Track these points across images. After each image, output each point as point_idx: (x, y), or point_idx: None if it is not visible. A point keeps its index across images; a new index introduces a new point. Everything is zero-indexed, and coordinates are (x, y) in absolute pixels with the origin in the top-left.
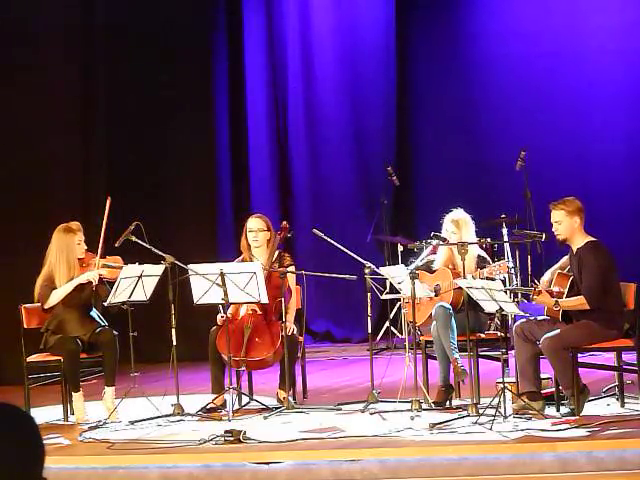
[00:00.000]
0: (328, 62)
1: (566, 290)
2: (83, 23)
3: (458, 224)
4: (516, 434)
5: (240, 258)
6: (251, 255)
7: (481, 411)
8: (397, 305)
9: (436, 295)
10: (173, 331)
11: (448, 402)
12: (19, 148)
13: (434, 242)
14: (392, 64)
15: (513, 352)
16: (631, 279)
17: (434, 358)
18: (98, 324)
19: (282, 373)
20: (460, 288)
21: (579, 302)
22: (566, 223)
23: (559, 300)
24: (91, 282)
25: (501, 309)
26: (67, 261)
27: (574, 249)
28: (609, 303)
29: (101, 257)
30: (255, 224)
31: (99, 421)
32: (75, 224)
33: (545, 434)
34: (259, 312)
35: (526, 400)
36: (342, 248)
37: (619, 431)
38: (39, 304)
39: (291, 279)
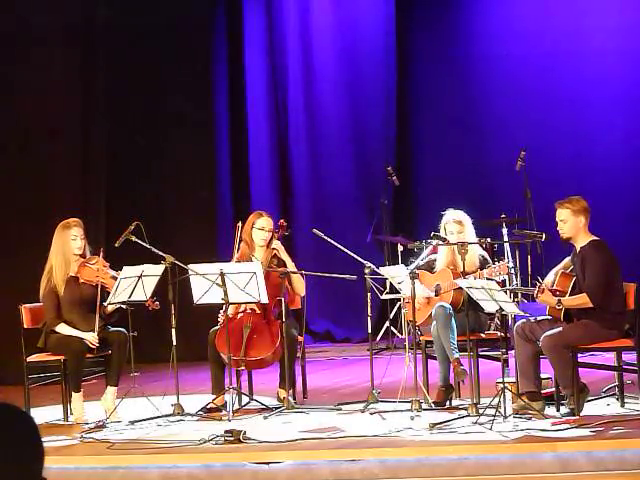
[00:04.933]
0: (328, 62)
1: (569, 290)
2: (83, 23)
3: (461, 223)
4: (516, 434)
5: (236, 257)
6: (251, 254)
7: (481, 411)
8: (397, 305)
9: (436, 295)
10: (173, 331)
11: (448, 402)
12: (19, 148)
13: (434, 242)
14: (392, 64)
15: (513, 352)
16: (631, 279)
17: (434, 358)
18: (105, 322)
19: (282, 373)
20: (460, 288)
21: (582, 300)
22: (571, 222)
23: (561, 299)
24: (92, 282)
25: (501, 309)
26: (63, 256)
27: (577, 248)
28: (611, 303)
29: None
30: (267, 224)
31: (100, 421)
32: (73, 220)
33: (545, 434)
34: (258, 311)
35: (526, 400)
36: (342, 248)
37: (619, 431)
38: (42, 304)
39: (293, 266)
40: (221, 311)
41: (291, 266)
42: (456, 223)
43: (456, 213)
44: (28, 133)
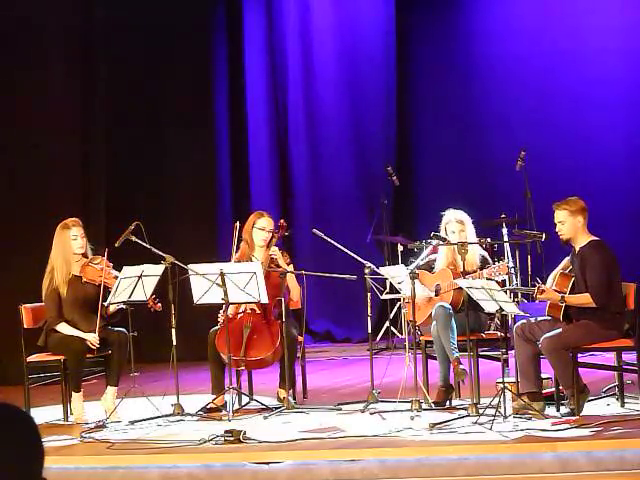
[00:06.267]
0: (328, 62)
1: (567, 290)
2: (83, 23)
3: (462, 223)
4: (516, 434)
5: (236, 257)
6: (251, 254)
7: (481, 411)
8: (397, 305)
9: (436, 295)
10: (173, 331)
11: (448, 402)
12: (19, 148)
13: (434, 242)
14: (392, 64)
15: (513, 352)
16: (631, 279)
17: (434, 358)
18: (106, 323)
19: (282, 373)
20: (460, 288)
21: (585, 300)
22: (569, 223)
23: (565, 296)
24: (95, 282)
25: (501, 309)
26: (64, 256)
27: (576, 248)
28: (610, 303)
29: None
30: (268, 224)
31: (100, 421)
32: (71, 220)
33: (545, 434)
34: (258, 311)
35: (526, 400)
36: (342, 248)
37: (619, 431)
38: (43, 304)
39: (291, 278)
40: (221, 311)
41: (289, 274)
42: (457, 223)
43: (457, 213)
44: (28, 133)
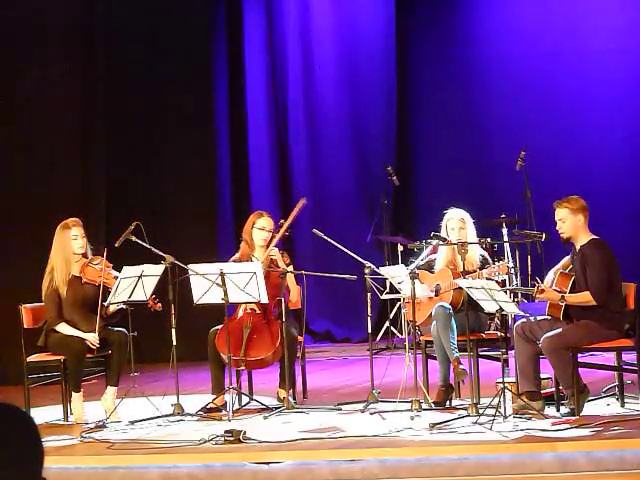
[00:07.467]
0: (328, 62)
1: (567, 289)
2: (83, 23)
3: (463, 221)
4: (516, 434)
5: (236, 257)
6: (251, 254)
7: (481, 411)
8: (397, 305)
9: (436, 295)
10: (173, 331)
11: (448, 402)
12: (19, 148)
13: (434, 242)
14: (392, 64)
15: (513, 352)
16: (631, 279)
17: (434, 358)
18: (106, 323)
19: (282, 373)
20: (460, 288)
21: (585, 298)
22: (570, 221)
23: (565, 295)
24: (95, 282)
25: (501, 309)
26: (64, 256)
27: (577, 247)
28: (610, 303)
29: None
30: (268, 224)
31: (100, 421)
32: (72, 220)
33: (545, 434)
34: (258, 311)
35: (526, 400)
36: (342, 248)
37: (619, 431)
38: (43, 304)
39: (290, 278)
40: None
41: (289, 275)
42: (458, 220)
43: (458, 211)
44: (28, 133)
